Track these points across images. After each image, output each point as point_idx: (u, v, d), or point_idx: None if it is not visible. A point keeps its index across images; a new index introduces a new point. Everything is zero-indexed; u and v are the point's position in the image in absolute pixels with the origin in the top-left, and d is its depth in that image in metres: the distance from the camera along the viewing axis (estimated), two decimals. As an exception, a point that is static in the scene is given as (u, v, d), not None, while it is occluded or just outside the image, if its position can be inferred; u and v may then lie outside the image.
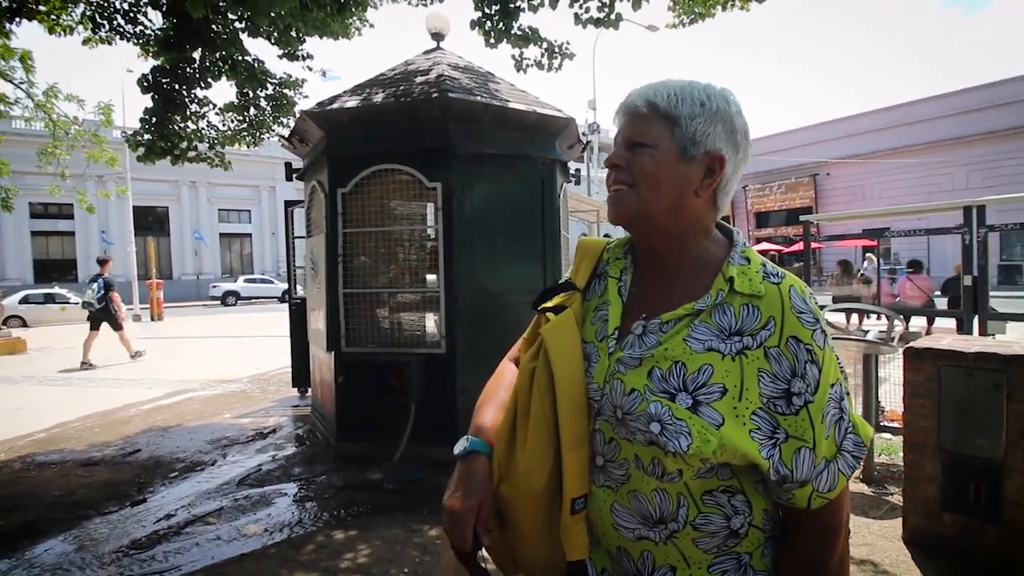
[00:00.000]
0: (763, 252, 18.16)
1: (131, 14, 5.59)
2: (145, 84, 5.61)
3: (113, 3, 5.57)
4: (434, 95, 3.81)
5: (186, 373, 7.68)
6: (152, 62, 5.74)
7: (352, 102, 4.05)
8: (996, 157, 20.68)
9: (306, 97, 7.35)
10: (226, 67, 5.89)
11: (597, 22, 4.96)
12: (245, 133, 7.03)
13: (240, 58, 5.88)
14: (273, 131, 7.12)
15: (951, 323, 5.12)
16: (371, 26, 6.72)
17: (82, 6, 5.73)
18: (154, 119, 5.89)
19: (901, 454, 2.92)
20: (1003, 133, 20.45)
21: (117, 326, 8.70)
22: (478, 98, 3.89)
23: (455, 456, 0.85)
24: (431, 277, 4.04)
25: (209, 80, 5.88)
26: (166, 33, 5.22)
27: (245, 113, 6.85)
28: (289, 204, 5.69)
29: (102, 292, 8.52)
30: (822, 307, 0.79)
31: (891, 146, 23.25)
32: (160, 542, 2.89)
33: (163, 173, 17.95)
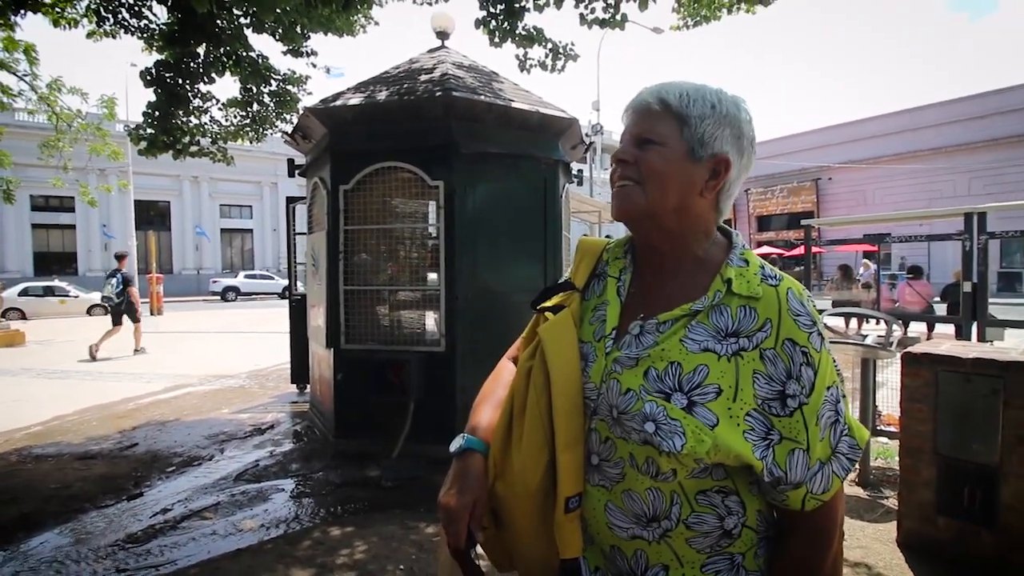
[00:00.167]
0: (764, 256, 18.17)
1: (136, 8, 5.59)
2: (148, 78, 5.61)
3: (118, -3, 5.58)
4: (438, 94, 3.82)
5: (185, 368, 7.69)
6: (156, 56, 5.74)
7: (356, 99, 4.05)
8: (999, 164, 20.67)
9: (310, 94, 7.35)
10: (230, 62, 5.88)
11: (603, 23, 4.96)
12: (248, 129, 7.03)
13: (244, 54, 5.88)
14: (276, 127, 7.12)
15: (952, 329, 5.13)
16: (376, 24, 6.71)
17: (87, -1, 5.74)
18: (157, 113, 5.89)
19: (897, 458, 2.93)
20: (1006, 140, 20.44)
21: (136, 318, 9.03)
22: (482, 97, 3.89)
23: (452, 454, 0.86)
24: (432, 275, 4.05)
25: (213, 75, 5.88)
26: (170, 27, 5.23)
27: (248, 109, 6.85)
28: (291, 200, 5.70)
29: (121, 287, 8.80)
30: (821, 311, 0.79)
31: (894, 152, 23.24)
32: (156, 536, 2.89)
33: (165, 168, 18.01)
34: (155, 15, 5.68)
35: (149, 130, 6.07)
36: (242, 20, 5.39)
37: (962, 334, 3.99)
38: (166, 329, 12.93)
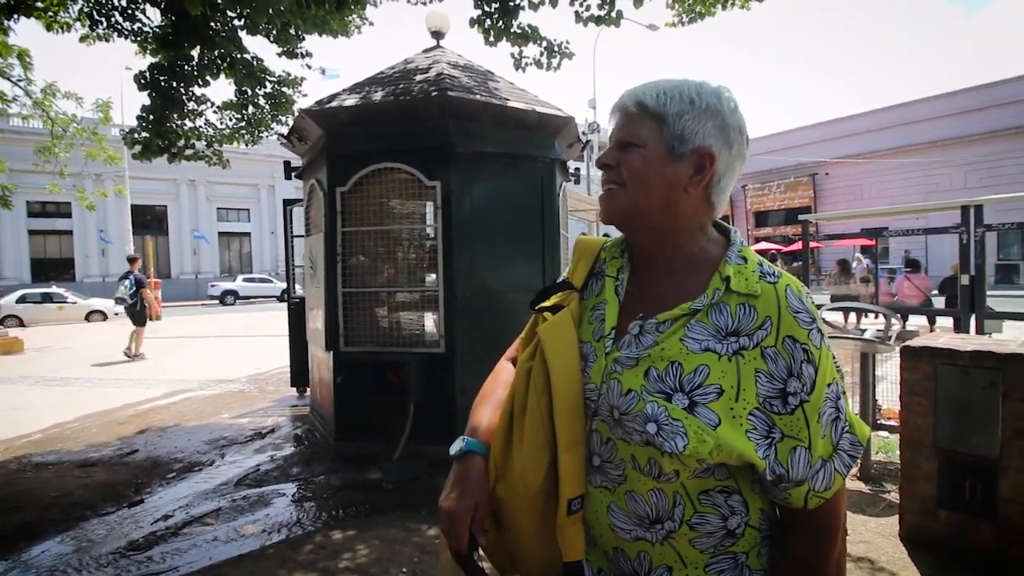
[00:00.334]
0: (762, 251, 18.19)
1: (129, 11, 5.57)
2: (143, 82, 5.59)
3: (111, 0, 5.56)
4: (433, 94, 3.81)
5: (184, 373, 7.67)
6: (150, 59, 5.72)
7: (351, 100, 4.04)
8: (995, 157, 20.71)
9: (305, 95, 7.33)
10: (224, 65, 5.87)
11: (598, 20, 4.95)
12: (244, 131, 7.01)
13: (239, 56, 5.86)
14: (272, 129, 7.10)
15: (951, 322, 5.14)
16: (371, 24, 6.70)
17: (80, 3, 5.71)
18: (152, 117, 5.87)
19: (898, 452, 2.93)
20: (1002, 133, 20.48)
21: (142, 322, 9.08)
22: (478, 97, 3.88)
23: (452, 457, 0.85)
24: (430, 276, 4.04)
25: (207, 78, 5.86)
26: (164, 30, 5.21)
27: (244, 111, 6.83)
28: (288, 203, 5.68)
29: (134, 288, 8.95)
30: (819, 306, 0.79)
31: (890, 146, 23.28)
32: (158, 543, 2.89)
33: (161, 172, 17.95)
34: (148, 18, 5.66)
35: (144, 134, 6.04)
36: (236, 22, 5.36)
37: (960, 327, 4.00)
38: (165, 334, 12.90)
